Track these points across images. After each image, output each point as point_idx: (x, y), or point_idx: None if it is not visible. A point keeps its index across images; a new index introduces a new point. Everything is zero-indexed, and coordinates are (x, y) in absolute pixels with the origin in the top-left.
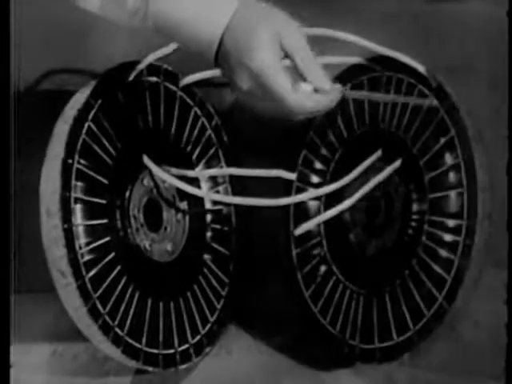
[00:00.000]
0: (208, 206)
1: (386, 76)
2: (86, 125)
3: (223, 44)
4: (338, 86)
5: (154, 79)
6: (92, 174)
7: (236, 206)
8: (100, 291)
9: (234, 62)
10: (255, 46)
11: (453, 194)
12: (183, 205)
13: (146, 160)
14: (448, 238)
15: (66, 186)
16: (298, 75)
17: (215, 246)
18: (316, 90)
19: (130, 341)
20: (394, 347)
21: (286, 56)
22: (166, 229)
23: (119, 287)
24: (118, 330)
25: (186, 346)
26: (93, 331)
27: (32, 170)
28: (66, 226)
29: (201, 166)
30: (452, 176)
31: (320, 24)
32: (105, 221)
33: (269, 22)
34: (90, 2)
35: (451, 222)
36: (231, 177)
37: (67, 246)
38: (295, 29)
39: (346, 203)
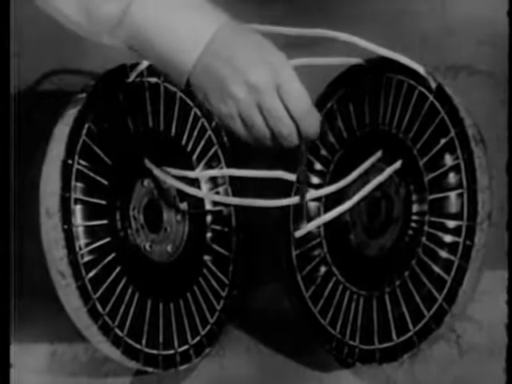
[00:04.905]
0: (208, 206)
1: (386, 77)
2: (86, 125)
3: (196, 72)
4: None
5: (154, 80)
6: (92, 174)
7: (236, 206)
8: (100, 292)
9: (213, 85)
10: (248, 62)
11: (453, 194)
12: (183, 206)
13: (146, 161)
14: (448, 238)
15: (65, 187)
16: None
17: (215, 246)
18: None
19: (130, 341)
20: (394, 348)
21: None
22: (166, 230)
23: (119, 288)
24: (117, 330)
25: (186, 346)
26: (93, 332)
27: (32, 170)
28: (65, 226)
29: (201, 166)
30: (452, 177)
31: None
32: (105, 221)
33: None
34: (66, 6)
35: (451, 223)
36: (231, 178)
37: (67, 246)
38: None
39: (347, 204)
